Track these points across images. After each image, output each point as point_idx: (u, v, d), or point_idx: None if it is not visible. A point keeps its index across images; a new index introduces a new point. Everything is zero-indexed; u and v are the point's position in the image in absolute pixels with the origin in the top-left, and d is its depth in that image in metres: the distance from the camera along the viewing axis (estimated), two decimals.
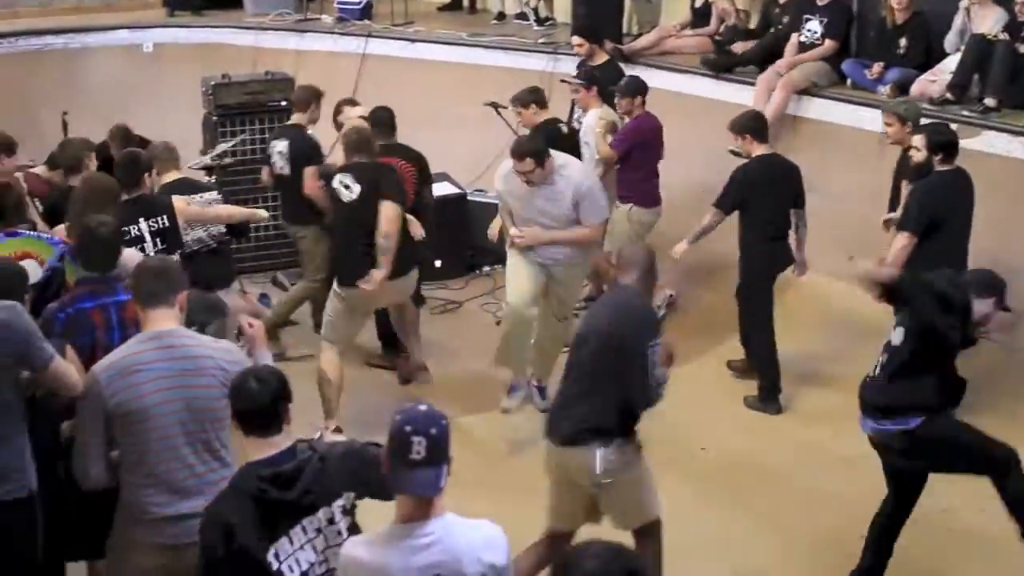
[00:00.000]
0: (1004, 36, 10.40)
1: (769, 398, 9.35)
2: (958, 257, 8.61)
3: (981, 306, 6.63)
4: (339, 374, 8.79)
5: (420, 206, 9.55)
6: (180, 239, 7.96)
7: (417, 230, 9.03)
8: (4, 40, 14.95)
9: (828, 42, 11.68)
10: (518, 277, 8.89)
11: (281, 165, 10.02)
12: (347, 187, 8.62)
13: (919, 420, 6.53)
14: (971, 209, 8.70)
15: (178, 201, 8.05)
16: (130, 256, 6.28)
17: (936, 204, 8.56)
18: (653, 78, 11.44)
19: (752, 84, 11.80)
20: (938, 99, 10.61)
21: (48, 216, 8.50)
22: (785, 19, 12.17)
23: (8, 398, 5.35)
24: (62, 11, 16.40)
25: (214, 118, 11.45)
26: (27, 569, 5.50)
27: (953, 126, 9.13)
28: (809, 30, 11.79)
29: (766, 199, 9.26)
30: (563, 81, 11.03)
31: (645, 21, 14.07)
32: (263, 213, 9.34)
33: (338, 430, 8.55)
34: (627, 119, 10.45)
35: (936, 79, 10.84)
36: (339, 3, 15.73)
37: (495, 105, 11.00)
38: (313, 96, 10.22)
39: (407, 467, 4.10)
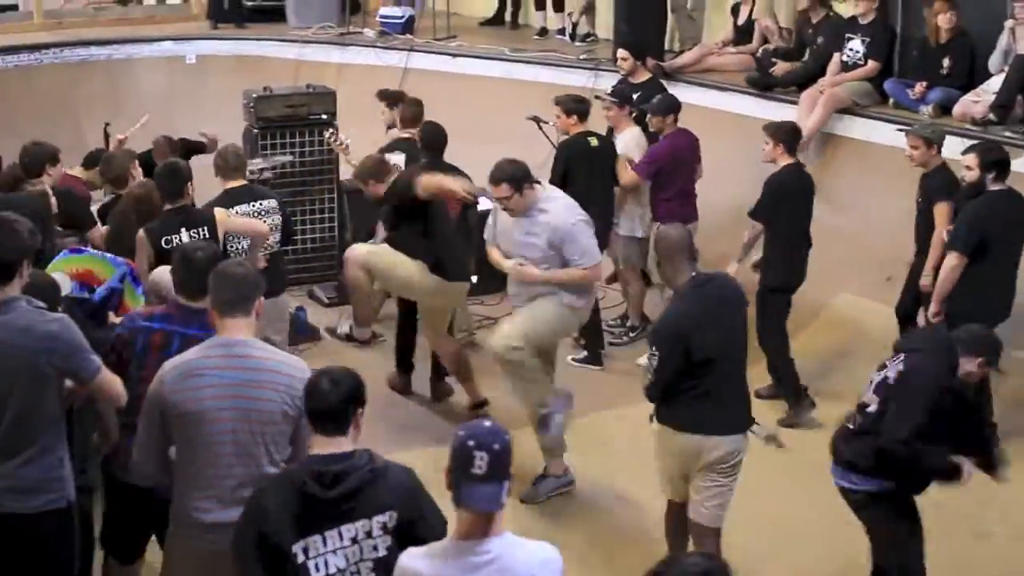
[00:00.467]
0: None
1: (798, 406, 9.28)
2: (1007, 280, 8.59)
3: (967, 364, 6.51)
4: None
5: (463, 226, 9.60)
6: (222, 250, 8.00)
7: None
8: (49, 50, 15.06)
9: (871, 63, 11.63)
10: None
11: None
12: None
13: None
14: (1022, 231, 8.66)
15: (219, 213, 8.09)
16: (160, 274, 6.33)
17: (987, 224, 8.53)
18: (695, 95, 11.43)
19: (794, 103, 11.77)
20: (981, 120, 10.56)
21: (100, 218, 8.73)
22: (819, 40, 12.13)
23: (51, 409, 5.38)
24: (107, 23, 16.58)
25: (255, 130, 11.45)
26: None
27: None
28: (852, 49, 11.74)
29: (797, 209, 9.26)
30: (596, 97, 11.02)
31: (687, 38, 14.05)
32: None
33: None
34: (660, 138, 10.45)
35: (979, 99, 10.78)
36: (381, 17, 15.83)
37: (537, 120, 11.00)
38: (420, 110, 10.75)
39: (469, 481, 4.10)
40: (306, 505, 4.50)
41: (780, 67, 12.42)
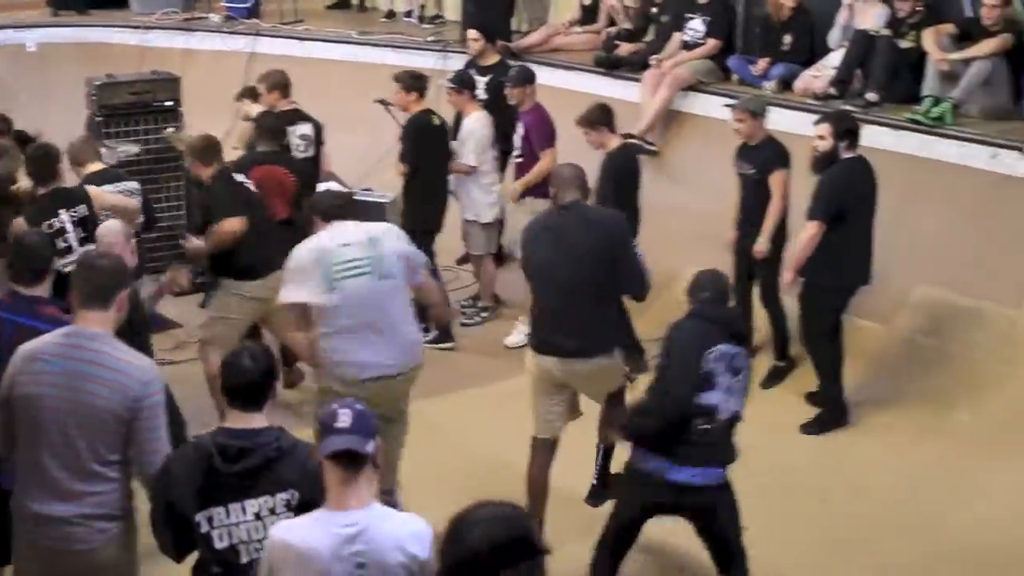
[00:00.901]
0: (886, 32, 10.60)
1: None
2: (864, 245, 8.74)
3: None
4: None
5: (299, 218, 9.52)
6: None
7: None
8: None
9: (711, 41, 11.80)
10: None
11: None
12: None
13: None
14: (875, 197, 8.79)
15: (92, 189, 7.99)
16: None
17: (845, 191, 8.67)
18: (542, 75, 11.46)
19: (639, 81, 11.88)
20: (822, 94, 10.77)
21: None
22: (664, 18, 12.27)
23: None
24: None
25: (98, 119, 11.26)
26: None
27: None
28: (692, 29, 11.89)
29: (629, 189, 9.39)
30: (443, 84, 11.06)
31: (534, 18, 14.12)
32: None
33: None
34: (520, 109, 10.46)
35: (820, 74, 11.01)
36: (227, 2, 15.64)
37: (384, 102, 10.97)
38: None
39: (333, 433, 4.21)
40: (209, 477, 4.60)
41: (624, 47, 12.52)
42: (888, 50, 10.51)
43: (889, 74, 10.53)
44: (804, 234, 8.70)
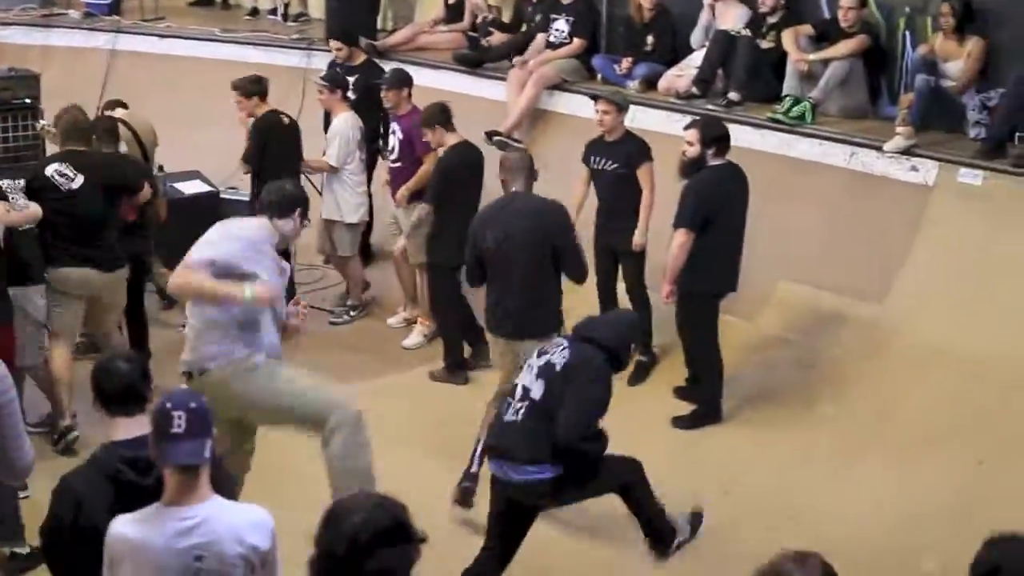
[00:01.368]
0: (746, 32, 10.78)
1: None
2: (734, 252, 8.81)
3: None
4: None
5: (146, 220, 9.46)
6: None
7: None
8: None
9: (576, 41, 11.88)
10: None
11: None
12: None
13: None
14: (746, 202, 8.85)
15: None
16: None
17: (712, 199, 8.67)
18: None
19: (504, 79, 11.93)
20: (684, 93, 10.90)
21: None
22: (538, 17, 12.33)
23: None
24: None
25: None
26: None
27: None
28: (557, 29, 11.97)
29: (469, 188, 9.66)
30: (316, 82, 11.00)
31: (400, 17, 14.10)
32: None
33: None
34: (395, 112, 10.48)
35: (683, 74, 11.15)
36: None
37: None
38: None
39: (170, 440, 4.15)
40: (122, 492, 4.44)
41: (497, 37, 12.57)
42: (749, 50, 10.68)
43: (750, 74, 10.70)
44: (674, 243, 8.65)
